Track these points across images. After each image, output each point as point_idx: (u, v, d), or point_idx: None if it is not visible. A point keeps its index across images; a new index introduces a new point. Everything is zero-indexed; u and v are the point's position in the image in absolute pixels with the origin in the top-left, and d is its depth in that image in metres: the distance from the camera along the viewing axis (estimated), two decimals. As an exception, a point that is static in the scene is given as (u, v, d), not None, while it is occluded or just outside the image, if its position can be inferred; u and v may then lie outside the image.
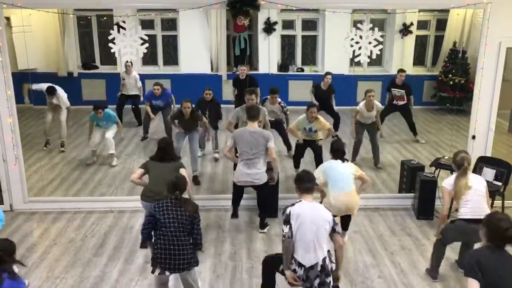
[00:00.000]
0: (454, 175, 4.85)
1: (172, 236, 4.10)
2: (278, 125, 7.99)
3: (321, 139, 7.26)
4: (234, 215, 6.23)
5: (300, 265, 3.88)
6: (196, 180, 7.24)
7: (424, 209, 6.26)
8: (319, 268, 3.85)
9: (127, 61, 8.72)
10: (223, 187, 7.10)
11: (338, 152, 5.38)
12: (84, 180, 7.29)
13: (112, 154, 7.94)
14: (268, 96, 7.76)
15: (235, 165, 6.00)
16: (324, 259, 3.88)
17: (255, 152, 5.62)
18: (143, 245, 5.33)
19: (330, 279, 3.91)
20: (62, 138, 8.51)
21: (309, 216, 3.87)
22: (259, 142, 5.62)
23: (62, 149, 8.45)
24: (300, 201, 3.97)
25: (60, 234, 5.82)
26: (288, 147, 8.24)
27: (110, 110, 7.99)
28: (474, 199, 4.65)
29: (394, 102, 8.87)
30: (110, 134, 7.91)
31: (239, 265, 5.17)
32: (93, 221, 6.14)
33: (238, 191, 6.06)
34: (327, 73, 8.89)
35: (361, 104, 7.75)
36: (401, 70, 8.98)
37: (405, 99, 8.80)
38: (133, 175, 5.19)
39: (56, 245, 5.57)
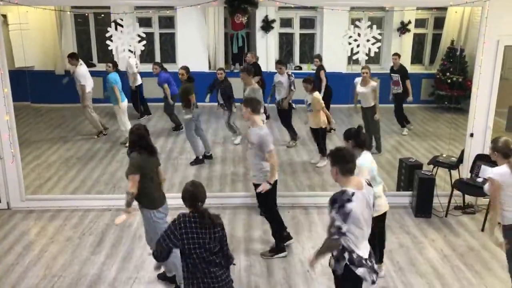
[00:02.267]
0: (504, 165, 4.05)
1: (202, 263, 3.38)
2: (283, 114, 8.31)
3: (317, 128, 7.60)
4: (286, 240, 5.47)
5: (366, 260, 3.49)
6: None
7: (422, 207, 6.26)
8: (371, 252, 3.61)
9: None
10: (221, 185, 7.10)
11: (365, 142, 4.51)
12: (81, 178, 7.27)
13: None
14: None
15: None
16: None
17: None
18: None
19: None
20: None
21: (361, 207, 3.41)
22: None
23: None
24: (353, 192, 3.38)
25: (57, 232, 5.80)
26: (293, 135, 8.53)
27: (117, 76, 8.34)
28: None
29: (393, 90, 8.99)
30: (120, 116, 8.36)
31: (237, 263, 5.16)
32: (91, 219, 6.13)
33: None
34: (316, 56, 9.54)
35: (357, 78, 8.08)
36: (395, 54, 9.07)
37: (400, 85, 8.87)
38: (131, 187, 4.26)
39: (53, 243, 5.55)
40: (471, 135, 6.41)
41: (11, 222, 6.06)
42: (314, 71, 9.16)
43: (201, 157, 7.83)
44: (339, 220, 3.34)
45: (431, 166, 6.78)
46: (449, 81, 10.79)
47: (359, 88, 7.98)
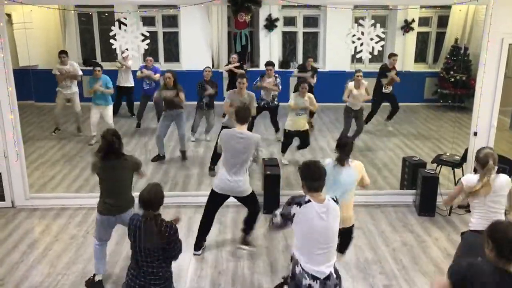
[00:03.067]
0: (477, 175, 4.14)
1: (142, 264, 3.60)
2: (271, 110, 8.41)
3: (307, 129, 7.68)
4: (198, 247, 5.29)
5: (314, 277, 3.38)
6: (184, 155, 7.97)
7: (426, 205, 6.25)
8: (335, 276, 3.46)
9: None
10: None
11: (346, 148, 4.34)
12: (85, 177, 7.29)
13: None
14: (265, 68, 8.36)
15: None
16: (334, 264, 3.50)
17: (242, 158, 4.95)
18: None
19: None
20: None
21: (319, 227, 3.35)
22: (248, 149, 4.95)
23: None
24: (309, 201, 3.39)
25: (61, 231, 5.82)
26: (277, 128, 8.65)
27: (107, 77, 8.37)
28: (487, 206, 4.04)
29: (384, 90, 9.08)
30: (108, 117, 8.31)
31: (241, 262, 5.17)
32: (95, 217, 6.12)
33: (214, 203, 5.21)
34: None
35: (351, 83, 8.21)
36: (393, 54, 9.19)
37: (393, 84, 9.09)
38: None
39: (57, 241, 5.58)
40: (475, 133, 6.39)
41: (16, 220, 6.09)
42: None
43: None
44: (278, 214, 3.51)
45: (435, 164, 6.78)
46: (452, 79, 10.77)
47: (355, 91, 8.11)
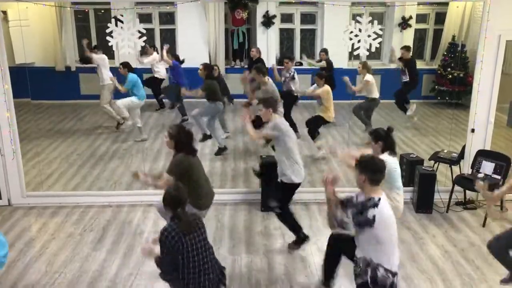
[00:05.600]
0: None
1: (204, 261, 3.63)
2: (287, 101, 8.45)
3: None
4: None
5: (394, 274, 3.52)
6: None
7: (423, 202, 6.25)
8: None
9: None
10: (221, 181, 7.09)
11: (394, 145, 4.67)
12: (82, 175, 7.28)
13: (125, 118, 8.70)
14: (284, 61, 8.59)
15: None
16: None
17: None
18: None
19: None
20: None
21: (392, 218, 3.51)
22: None
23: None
24: (378, 199, 3.45)
25: (58, 229, 5.81)
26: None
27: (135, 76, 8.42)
28: None
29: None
30: (119, 102, 8.42)
31: (238, 259, 5.17)
32: (92, 215, 6.13)
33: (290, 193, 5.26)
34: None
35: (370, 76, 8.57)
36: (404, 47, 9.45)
37: (407, 75, 9.24)
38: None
39: (54, 239, 5.56)
40: (472, 130, 6.39)
41: (12, 218, 6.07)
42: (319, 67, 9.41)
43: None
44: (346, 217, 3.48)
45: (432, 161, 6.78)
46: (450, 76, 10.78)
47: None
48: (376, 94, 8.64)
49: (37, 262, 5.09)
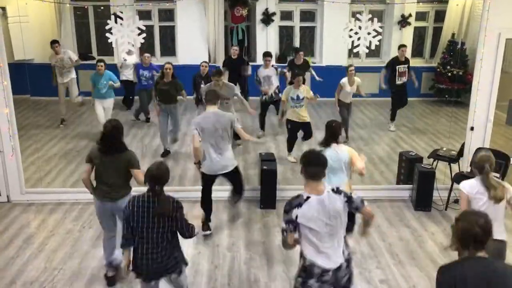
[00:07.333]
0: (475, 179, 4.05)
1: (148, 238, 3.59)
2: (276, 103, 8.43)
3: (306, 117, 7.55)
4: (207, 226, 5.57)
5: (325, 271, 3.36)
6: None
7: (422, 200, 6.26)
8: (345, 265, 3.43)
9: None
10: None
11: (330, 130, 4.68)
12: (81, 172, 7.25)
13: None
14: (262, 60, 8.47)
15: None
16: (348, 254, 3.47)
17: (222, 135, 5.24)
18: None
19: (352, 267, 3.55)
20: None
21: (321, 217, 3.29)
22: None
23: None
24: (308, 197, 3.31)
25: (57, 225, 5.81)
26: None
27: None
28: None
29: (397, 81, 9.01)
30: (108, 104, 8.31)
31: (237, 256, 5.17)
32: (91, 212, 6.12)
33: (208, 184, 5.56)
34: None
35: (344, 79, 8.20)
36: (402, 46, 9.12)
37: (407, 75, 9.07)
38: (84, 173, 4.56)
39: (53, 236, 5.56)
40: (472, 128, 6.40)
41: (11, 215, 6.06)
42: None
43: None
44: (283, 222, 3.35)
45: (431, 159, 6.78)
46: (449, 74, 10.78)
47: (348, 88, 8.18)
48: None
49: (36, 259, 5.09)
